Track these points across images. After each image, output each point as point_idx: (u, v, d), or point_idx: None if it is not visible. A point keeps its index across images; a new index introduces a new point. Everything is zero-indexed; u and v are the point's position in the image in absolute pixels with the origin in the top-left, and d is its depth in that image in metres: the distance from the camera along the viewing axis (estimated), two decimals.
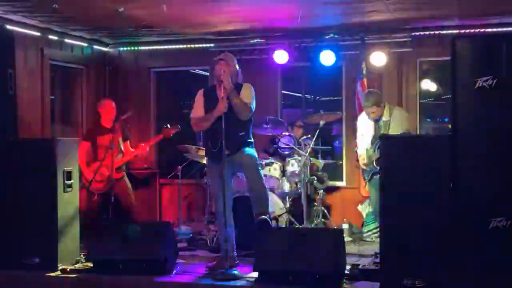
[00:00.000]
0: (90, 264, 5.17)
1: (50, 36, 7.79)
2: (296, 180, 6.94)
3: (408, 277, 4.33)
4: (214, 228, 6.67)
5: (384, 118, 6.11)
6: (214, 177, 5.31)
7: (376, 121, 6.17)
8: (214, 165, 5.28)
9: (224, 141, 4.97)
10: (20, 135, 5.88)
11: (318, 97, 9.99)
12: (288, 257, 4.63)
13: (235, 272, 4.90)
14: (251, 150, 5.28)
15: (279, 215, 6.51)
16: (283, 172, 7.03)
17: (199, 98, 5.37)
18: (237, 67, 5.32)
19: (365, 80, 7.54)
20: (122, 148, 6.73)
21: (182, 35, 8.27)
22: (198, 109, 5.34)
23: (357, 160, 6.79)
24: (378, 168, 5.63)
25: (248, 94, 5.23)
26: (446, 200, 4.28)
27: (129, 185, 6.80)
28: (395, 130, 5.96)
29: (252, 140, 5.39)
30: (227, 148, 5.00)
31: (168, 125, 6.70)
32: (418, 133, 7.69)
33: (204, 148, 6.78)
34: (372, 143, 6.10)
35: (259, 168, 5.28)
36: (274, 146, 7.37)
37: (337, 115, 7.33)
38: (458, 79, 4.27)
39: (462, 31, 7.41)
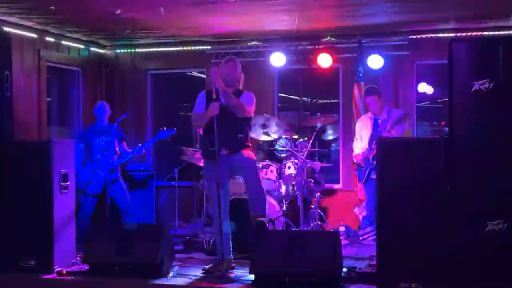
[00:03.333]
0: (86, 267, 5.15)
1: (47, 38, 7.77)
2: (293, 182, 6.94)
3: (405, 280, 4.32)
4: (210, 230, 6.65)
5: (383, 118, 6.21)
6: (211, 179, 5.29)
7: (376, 118, 6.22)
8: (210, 165, 5.27)
9: (224, 141, 5.00)
10: (17, 136, 5.86)
11: (315, 100, 9.99)
12: (285, 260, 4.62)
13: (232, 275, 4.90)
14: (249, 153, 5.29)
15: (276, 218, 6.50)
16: (280, 174, 7.03)
17: (202, 97, 5.43)
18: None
19: (362, 83, 7.54)
20: (118, 150, 6.72)
21: (179, 38, 8.27)
22: (199, 106, 5.40)
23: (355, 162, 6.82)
24: (374, 163, 5.69)
25: (248, 99, 5.29)
26: (443, 203, 4.28)
27: (125, 187, 6.79)
28: (392, 129, 6.02)
29: (250, 144, 5.41)
30: (226, 148, 5.00)
31: (164, 128, 6.69)
32: (415, 136, 7.69)
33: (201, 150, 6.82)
34: (370, 142, 6.18)
35: (258, 170, 5.27)
36: (271, 148, 7.37)
37: (334, 118, 7.35)
38: (455, 82, 4.27)
39: (459, 34, 7.41)
